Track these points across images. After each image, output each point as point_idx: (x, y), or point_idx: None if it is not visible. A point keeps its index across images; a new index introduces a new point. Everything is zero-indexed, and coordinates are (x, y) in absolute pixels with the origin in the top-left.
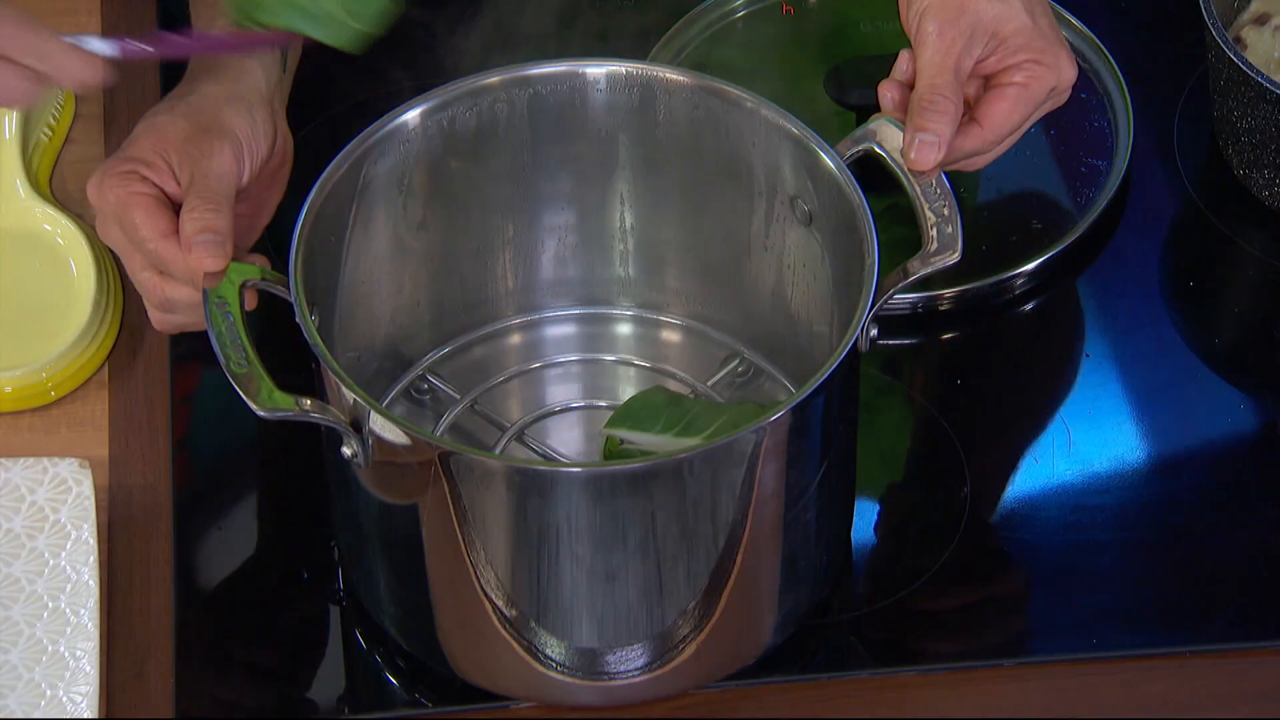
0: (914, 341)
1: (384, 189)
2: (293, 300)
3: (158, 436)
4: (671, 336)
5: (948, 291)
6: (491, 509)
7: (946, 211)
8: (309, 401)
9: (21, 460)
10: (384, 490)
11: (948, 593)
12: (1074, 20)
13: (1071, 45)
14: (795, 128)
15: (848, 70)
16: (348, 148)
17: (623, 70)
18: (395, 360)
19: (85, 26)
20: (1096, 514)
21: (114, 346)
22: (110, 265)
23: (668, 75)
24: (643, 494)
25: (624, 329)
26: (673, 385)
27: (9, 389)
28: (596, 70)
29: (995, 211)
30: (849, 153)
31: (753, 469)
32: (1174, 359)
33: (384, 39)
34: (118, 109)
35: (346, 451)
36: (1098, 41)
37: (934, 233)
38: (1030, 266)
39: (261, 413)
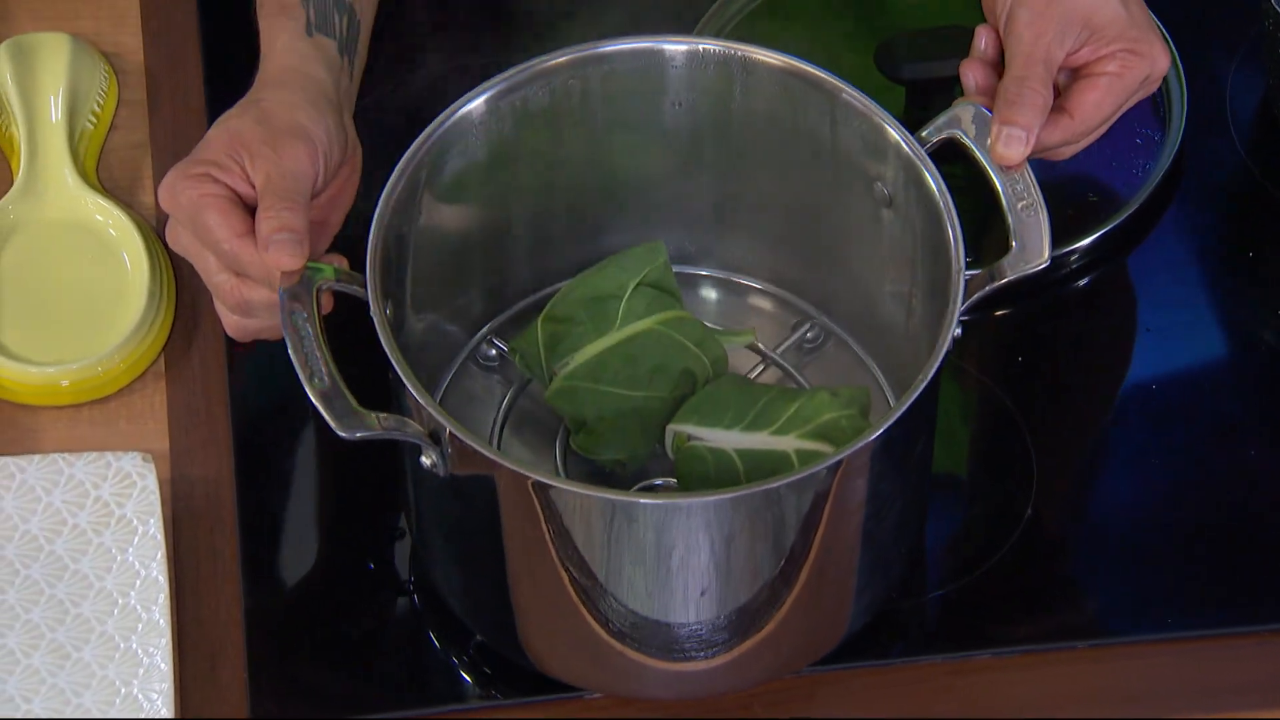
0: (971, 318)
1: (454, 176)
2: (370, 303)
3: (217, 427)
4: (742, 302)
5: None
6: (571, 522)
7: (1032, 210)
8: (389, 418)
9: (84, 455)
10: (463, 493)
11: (1018, 574)
12: None
13: None
14: (876, 113)
15: (899, 44)
16: (418, 141)
17: (699, 48)
18: (463, 328)
19: (125, 11)
20: (1165, 492)
21: (169, 337)
22: (163, 255)
23: (749, 54)
24: (724, 516)
25: (701, 290)
26: (742, 354)
27: (66, 382)
28: (674, 47)
29: (1050, 186)
30: (931, 140)
31: (838, 484)
32: (1235, 331)
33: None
34: (161, 94)
35: (426, 461)
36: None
37: (1019, 237)
38: (1086, 242)
39: (343, 434)
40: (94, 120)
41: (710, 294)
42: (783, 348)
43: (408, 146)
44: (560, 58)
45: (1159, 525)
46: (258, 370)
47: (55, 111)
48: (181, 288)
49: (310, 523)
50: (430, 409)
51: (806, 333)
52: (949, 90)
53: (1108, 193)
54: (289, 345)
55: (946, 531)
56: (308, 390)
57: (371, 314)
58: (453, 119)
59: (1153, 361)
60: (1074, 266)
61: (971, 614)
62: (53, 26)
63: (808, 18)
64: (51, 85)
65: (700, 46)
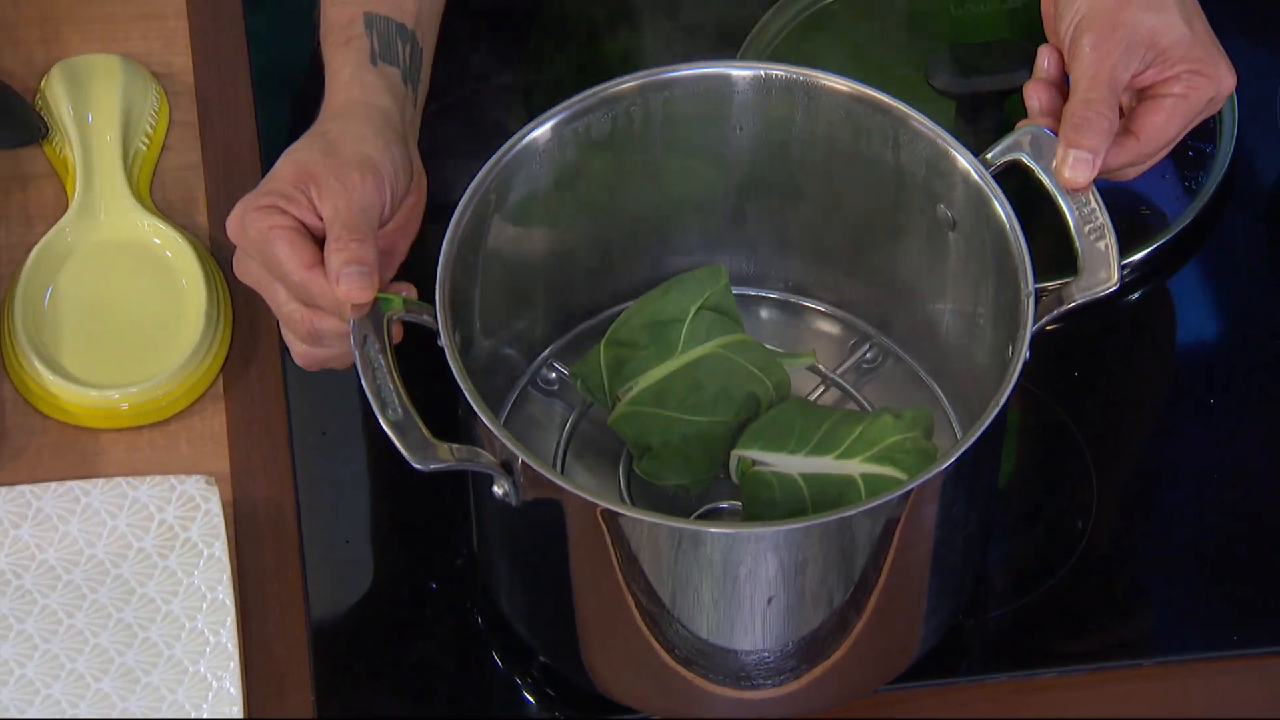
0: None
1: (519, 202)
2: (440, 334)
3: (277, 448)
4: (800, 322)
5: (1051, 285)
6: (642, 552)
7: (1101, 234)
8: (461, 449)
9: (148, 479)
10: (531, 519)
11: (1080, 591)
12: None
13: None
14: (941, 136)
15: (949, 59)
16: (484, 169)
17: (763, 73)
18: (524, 352)
19: (175, 31)
20: (1224, 506)
21: (226, 358)
22: (219, 276)
23: (814, 79)
24: (792, 544)
25: (760, 312)
26: (802, 374)
27: (125, 405)
28: (740, 73)
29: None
30: (996, 163)
31: (909, 510)
32: None
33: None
34: (212, 115)
35: (498, 491)
36: None
37: (1087, 259)
38: (1139, 257)
39: (418, 465)
40: (146, 141)
41: (768, 315)
42: (842, 369)
43: (470, 175)
44: (627, 84)
45: (1220, 540)
46: (316, 391)
47: (109, 133)
48: (238, 309)
49: (372, 542)
50: (505, 440)
51: (866, 353)
52: (999, 105)
53: (1159, 207)
54: (362, 377)
55: (1008, 550)
56: (381, 422)
57: (441, 344)
58: (519, 145)
59: (1208, 376)
60: (1127, 280)
61: (1035, 632)
62: (103, 48)
63: (854, 33)
64: (105, 107)
65: (764, 72)
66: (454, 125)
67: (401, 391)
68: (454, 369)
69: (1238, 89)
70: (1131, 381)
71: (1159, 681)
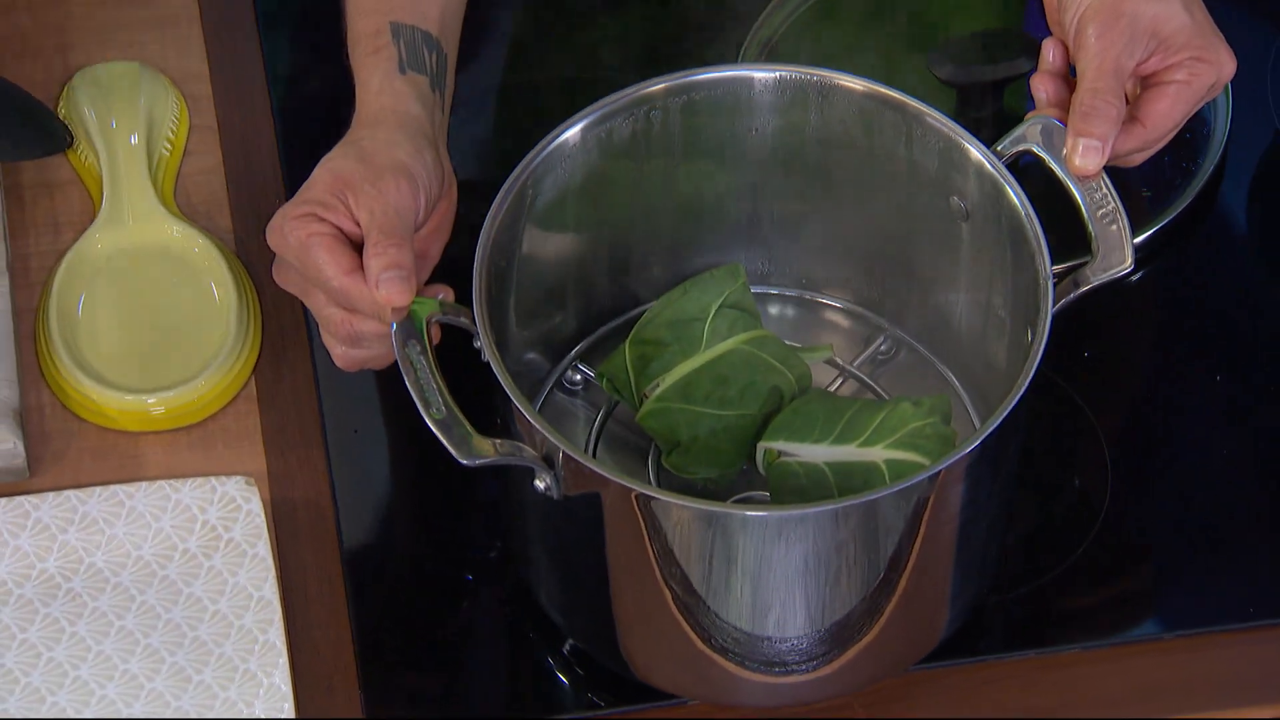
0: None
1: (548, 206)
2: (479, 335)
3: (312, 448)
4: (815, 317)
5: (1057, 267)
6: (676, 536)
7: (1112, 216)
8: (505, 444)
9: (189, 481)
10: (570, 510)
11: (1100, 567)
12: None
13: None
14: (955, 130)
15: (951, 48)
16: (515, 173)
17: (775, 75)
18: (549, 354)
19: (189, 37)
20: (1237, 480)
21: (258, 360)
22: (246, 278)
23: (827, 78)
24: (819, 527)
25: (775, 309)
26: (820, 368)
27: (161, 409)
28: (763, 75)
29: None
30: (1008, 154)
31: (934, 495)
32: None
33: None
34: (231, 119)
35: (540, 485)
36: None
37: (1101, 243)
38: (1142, 238)
39: (464, 461)
40: (169, 147)
41: (784, 311)
42: (859, 361)
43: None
44: (653, 86)
45: (1233, 513)
46: (348, 390)
47: (134, 140)
48: (266, 311)
49: (408, 539)
50: (548, 434)
51: (881, 345)
52: (1000, 93)
53: (1161, 188)
54: (405, 378)
55: (1028, 529)
56: (427, 420)
57: (477, 345)
58: (550, 148)
59: (1216, 353)
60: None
61: (1057, 609)
62: (119, 55)
63: (857, 22)
64: (128, 114)
65: (780, 74)
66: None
67: (444, 390)
68: (496, 369)
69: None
70: (1138, 361)
71: (1183, 654)
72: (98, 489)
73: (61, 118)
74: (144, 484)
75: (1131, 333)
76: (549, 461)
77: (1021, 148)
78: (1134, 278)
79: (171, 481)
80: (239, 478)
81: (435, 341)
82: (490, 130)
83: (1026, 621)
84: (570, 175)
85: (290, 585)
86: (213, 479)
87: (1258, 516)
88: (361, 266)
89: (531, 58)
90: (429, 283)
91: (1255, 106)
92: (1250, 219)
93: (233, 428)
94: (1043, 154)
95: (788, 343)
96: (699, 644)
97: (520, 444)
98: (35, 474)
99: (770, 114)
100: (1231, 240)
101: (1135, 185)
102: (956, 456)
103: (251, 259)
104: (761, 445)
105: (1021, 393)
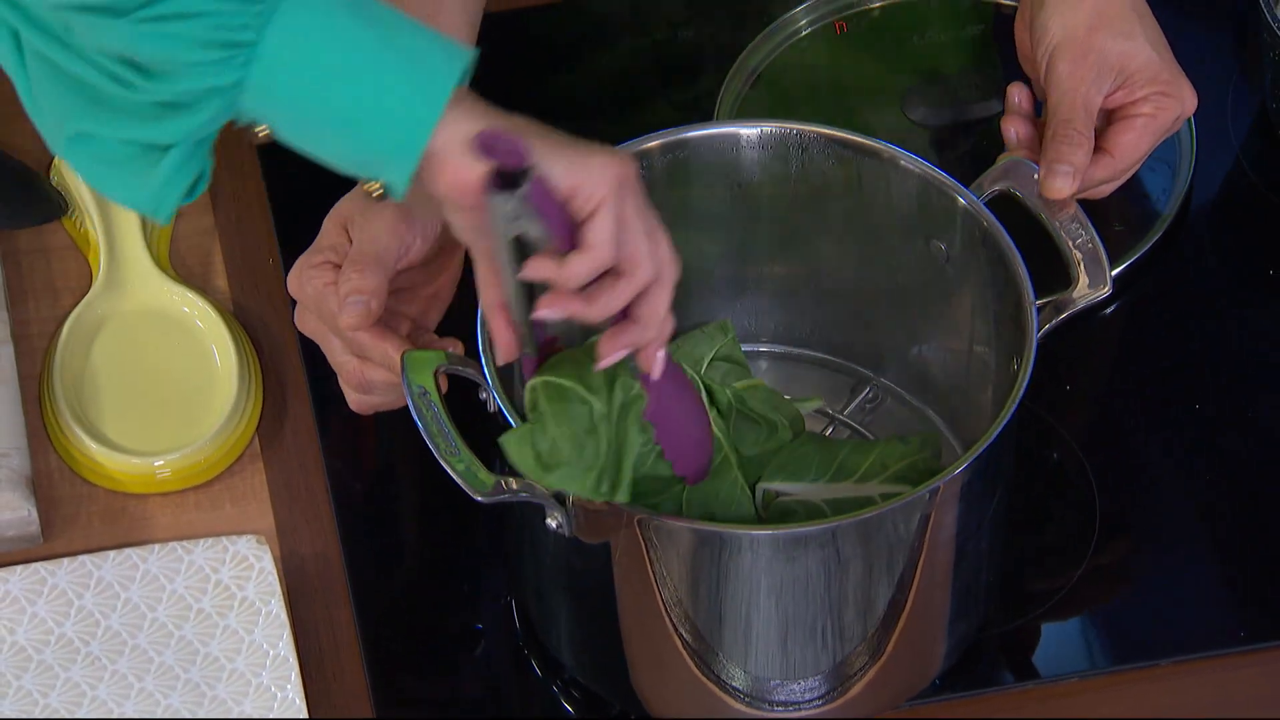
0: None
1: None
2: (489, 385)
3: (319, 503)
4: (799, 372)
5: (1039, 301)
6: (685, 564)
7: (1089, 245)
8: (517, 482)
9: (202, 542)
10: (581, 549)
11: (1093, 597)
12: None
13: None
14: (933, 174)
15: (924, 91)
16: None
17: (757, 131)
18: None
19: None
20: (1222, 504)
21: (260, 418)
22: (245, 339)
23: (805, 130)
24: (824, 548)
25: (761, 364)
26: (811, 417)
27: (168, 471)
28: (749, 130)
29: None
30: (985, 193)
31: (933, 516)
32: (1270, 345)
33: None
34: (219, 179)
35: (551, 523)
36: None
37: (1080, 268)
38: (1119, 270)
39: (481, 499)
40: None
41: (771, 366)
42: (848, 410)
43: None
44: (649, 142)
45: (1232, 535)
46: (350, 444)
47: None
48: (266, 369)
49: (418, 589)
50: None
51: (867, 394)
52: (972, 133)
53: (1132, 221)
54: (419, 423)
55: (1019, 560)
56: (442, 463)
57: (485, 396)
58: None
59: (1193, 381)
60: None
61: (1057, 636)
62: None
63: (828, 64)
64: None
65: (760, 129)
66: None
67: (457, 434)
68: (509, 415)
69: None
70: (1117, 391)
71: (1179, 679)
72: (111, 553)
73: (54, 184)
74: (156, 546)
75: (1110, 365)
76: (559, 499)
77: (999, 186)
78: (1108, 309)
79: (184, 543)
80: (250, 537)
81: (443, 391)
82: None
83: (1022, 652)
84: None
85: (304, 641)
86: (224, 539)
87: (1245, 539)
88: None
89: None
90: (442, 336)
91: (1216, 137)
92: (1218, 247)
93: (239, 486)
94: (1017, 192)
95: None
96: (705, 680)
97: (532, 483)
98: (47, 539)
99: (752, 170)
100: (1203, 268)
101: (1109, 219)
102: (960, 469)
103: (249, 318)
104: (760, 486)
105: (1016, 404)
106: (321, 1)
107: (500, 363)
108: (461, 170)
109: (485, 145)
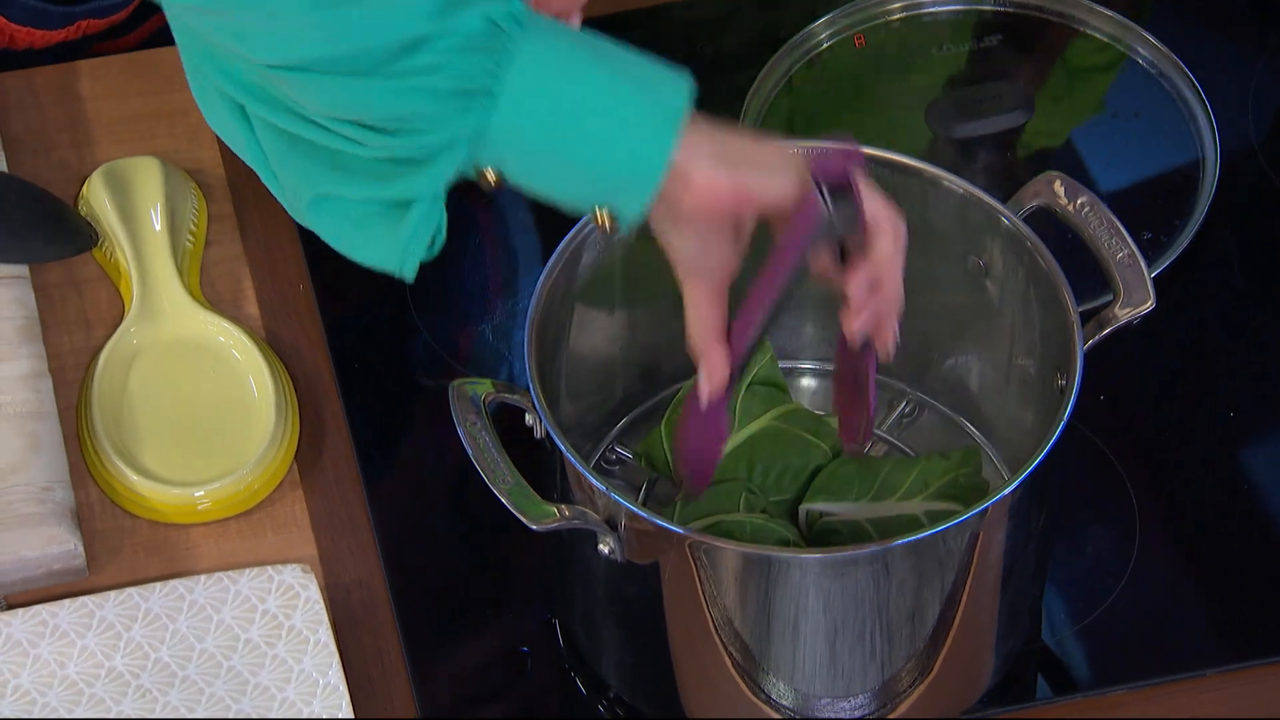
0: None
1: (590, 283)
2: (540, 412)
3: (360, 530)
4: None
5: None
6: (735, 585)
7: (1130, 259)
8: (570, 509)
9: (247, 571)
10: (631, 571)
11: (1138, 608)
12: (1151, 38)
13: (1148, 63)
14: (971, 192)
15: (949, 104)
16: (559, 250)
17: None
18: (586, 435)
19: (198, 126)
20: (1260, 513)
21: (298, 446)
22: (280, 366)
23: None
24: (873, 568)
25: (801, 382)
26: None
27: (208, 502)
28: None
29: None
30: (1024, 209)
31: (982, 535)
32: None
33: None
34: (247, 206)
35: (604, 549)
36: (1172, 55)
37: (1123, 284)
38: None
39: (534, 526)
40: (192, 239)
41: (809, 384)
42: (885, 425)
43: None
44: None
45: (1261, 544)
46: (390, 470)
47: (159, 234)
48: (302, 396)
49: (463, 615)
50: (614, 496)
51: (904, 408)
52: (997, 146)
53: (1160, 229)
54: (471, 454)
55: (1063, 575)
56: (496, 492)
57: (533, 421)
58: (583, 234)
59: (1227, 389)
60: None
61: (1104, 649)
62: (133, 149)
63: (849, 78)
64: (151, 208)
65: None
66: None
67: (509, 463)
68: (558, 439)
69: (1212, 94)
70: (1152, 401)
71: (1224, 689)
72: (158, 585)
73: (83, 215)
74: (202, 577)
75: (1144, 374)
76: (611, 524)
77: (1037, 203)
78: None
79: (229, 573)
80: (295, 566)
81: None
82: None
83: (1067, 665)
84: (604, 258)
85: (351, 670)
86: (269, 568)
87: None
88: None
89: None
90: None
91: (1238, 134)
92: (1246, 255)
93: (280, 514)
94: (1055, 208)
95: (817, 413)
96: (754, 698)
97: (584, 509)
98: (92, 572)
99: None
100: (1232, 273)
101: (1136, 228)
102: (1011, 488)
103: (281, 345)
104: (803, 508)
105: (1064, 422)
106: (555, 42)
107: (708, 399)
108: (715, 182)
109: (818, 162)
